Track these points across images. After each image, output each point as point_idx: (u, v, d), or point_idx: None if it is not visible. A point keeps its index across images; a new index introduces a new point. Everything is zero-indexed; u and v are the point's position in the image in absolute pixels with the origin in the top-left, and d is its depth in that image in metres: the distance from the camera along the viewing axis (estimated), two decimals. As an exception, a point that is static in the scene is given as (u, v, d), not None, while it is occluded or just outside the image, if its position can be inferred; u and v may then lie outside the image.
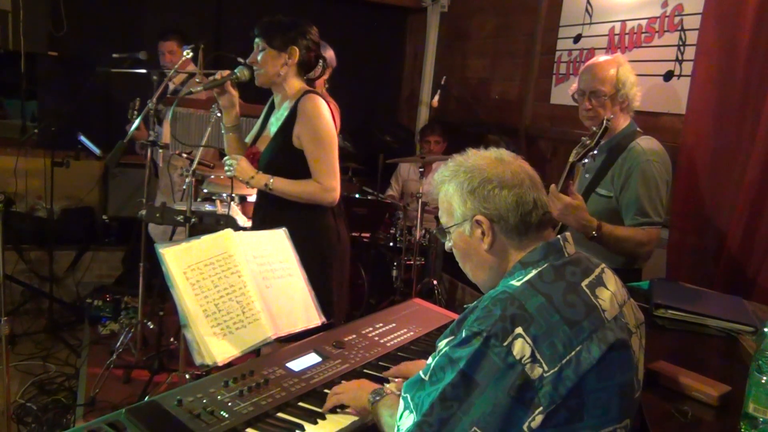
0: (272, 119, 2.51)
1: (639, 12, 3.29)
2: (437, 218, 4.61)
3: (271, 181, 2.33)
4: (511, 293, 1.16)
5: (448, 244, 1.38)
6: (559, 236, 1.28)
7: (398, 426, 1.23)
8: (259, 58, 2.36)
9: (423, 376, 1.21)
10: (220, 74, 2.39)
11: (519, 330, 1.11)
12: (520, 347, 1.10)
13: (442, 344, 1.20)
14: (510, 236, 1.27)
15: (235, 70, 2.37)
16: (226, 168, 2.38)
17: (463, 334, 1.15)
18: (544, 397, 1.09)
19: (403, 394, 1.24)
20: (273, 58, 2.35)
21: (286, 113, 2.40)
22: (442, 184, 1.34)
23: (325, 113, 2.34)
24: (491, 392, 1.10)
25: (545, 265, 1.23)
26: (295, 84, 2.42)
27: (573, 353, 1.12)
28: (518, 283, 1.20)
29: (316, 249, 2.30)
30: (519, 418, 1.10)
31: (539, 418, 1.10)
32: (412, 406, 1.19)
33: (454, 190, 1.31)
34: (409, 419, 1.19)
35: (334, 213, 2.46)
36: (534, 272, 1.21)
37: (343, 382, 1.57)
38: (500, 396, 1.09)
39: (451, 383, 1.13)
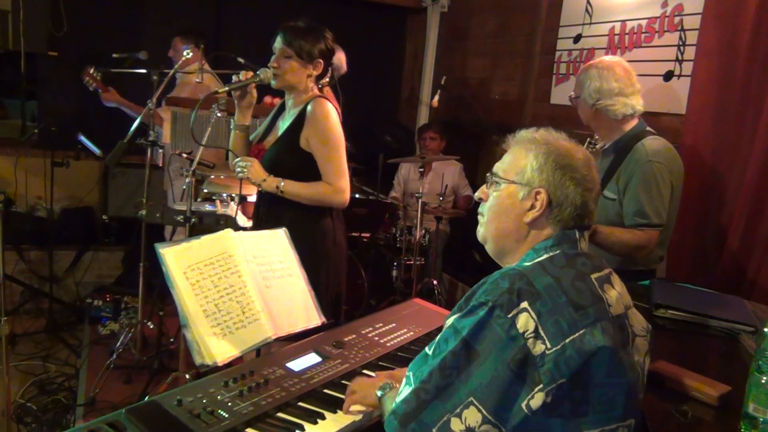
0: (280, 122, 2.53)
1: (639, 12, 3.29)
2: (437, 218, 4.57)
3: (282, 184, 2.35)
4: (520, 270, 1.17)
5: (482, 194, 1.35)
6: (576, 229, 1.27)
7: (396, 401, 1.22)
8: (284, 64, 2.36)
9: (428, 351, 1.22)
10: (244, 75, 2.40)
11: (525, 304, 1.11)
12: (524, 321, 1.10)
13: (451, 320, 1.20)
14: (553, 224, 1.26)
15: (259, 72, 2.37)
16: (238, 169, 2.39)
17: (470, 305, 1.16)
18: (544, 375, 1.09)
19: (407, 373, 1.24)
20: (300, 67, 2.37)
21: (294, 116, 2.43)
22: (530, 143, 1.30)
23: (333, 116, 2.38)
24: (491, 363, 1.10)
25: (557, 251, 1.23)
26: (310, 89, 2.44)
27: (577, 334, 1.11)
28: (529, 263, 1.21)
29: (311, 250, 2.31)
30: (517, 394, 1.09)
31: (539, 397, 1.09)
32: (412, 381, 1.19)
33: (538, 155, 1.27)
34: (407, 390, 1.19)
35: (333, 215, 2.46)
36: (545, 256, 1.23)
37: (357, 379, 1.56)
38: (500, 368, 1.09)
39: (453, 351, 1.13)
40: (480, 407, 1.10)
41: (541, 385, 1.09)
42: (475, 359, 1.11)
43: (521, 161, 1.29)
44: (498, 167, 1.34)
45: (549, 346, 1.09)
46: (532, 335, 1.10)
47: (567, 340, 1.10)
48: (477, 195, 1.38)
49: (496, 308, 1.12)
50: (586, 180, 1.26)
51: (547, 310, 1.11)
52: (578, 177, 1.25)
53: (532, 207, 1.26)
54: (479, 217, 1.37)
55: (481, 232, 1.36)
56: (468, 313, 1.16)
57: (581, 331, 1.12)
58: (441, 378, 1.13)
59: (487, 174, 1.36)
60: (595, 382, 1.13)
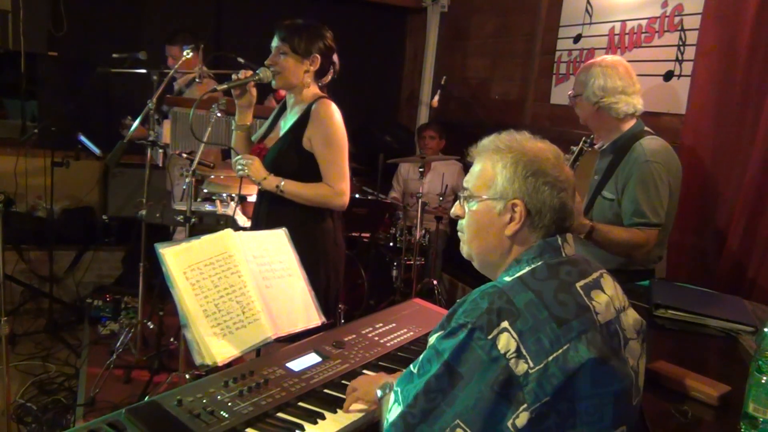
0: (282, 122, 2.53)
1: (639, 12, 3.29)
2: (437, 218, 4.58)
3: (282, 183, 2.34)
4: (500, 287, 1.15)
5: (459, 211, 1.32)
6: (558, 236, 1.25)
7: (386, 418, 1.22)
8: (281, 61, 2.36)
9: (413, 369, 1.21)
10: (243, 73, 2.40)
11: (505, 324, 1.10)
12: (505, 341, 1.09)
13: (432, 339, 1.20)
14: (535, 232, 1.24)
15: (258, 71, 2.37)
16: (239, 167, 2.38)
17: (450, 327, 1.15)
18: (528, 394, 1.08)
19: (394, 387, 1.25)
20: (296, 63, 2.36)
21: (297, 116, 2.42)
22: (494, 152, 1.27)
23: (337, 118, 2.37)
24: (475, 385, 1.09)
25: (540, 263, 1.21)
26: (311, 89, 2.43)
27: (560, 351, 1.10)
28: (509, 279, 1.19)
29: (312, 250, 2.31)
30: (503, 414, 1.08)
31: (524, 416, 1.08)
32: (400, 399, 1.19)
33: (506, 165, 1.24)
34: (396, 411, 1.19)
35: (333, 216, 2.46)
36: (527, 269, 1.21)
37: (358, 377, 1.56)
38: (484, 390, 1.08)
39: (436, 374, 1.12)
40: (467, 430, 1.09)
41: (525, 405, 1.08)
42: (458, 382, 1.10)
43: (490, 173, 1.26)
44: (468, 182, 1.31)
45: (532, 365, 1.08)
46: (513, 355, 1.08)
47: (550, 358, 1.09)
48: (453, 212, 1.35)
49: (476, 330, 1.10)
50: (560, 181, 1.23)
51: (528, 328, 1.09)
52: (551, 180, 1.22)
53: (511, 219, 1.24)
54: (459, 234, 1.35)
55: (465, 250, 1.34)
56: (449, 334, 1.14)
57: (564, 347, 1.10)
58: (426, 402, 1.12)
59: (460, 191, 1.33)
60: (581, 395, 1.11)
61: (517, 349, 1.08)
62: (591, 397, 1.12)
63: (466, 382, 1.10)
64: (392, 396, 1.24)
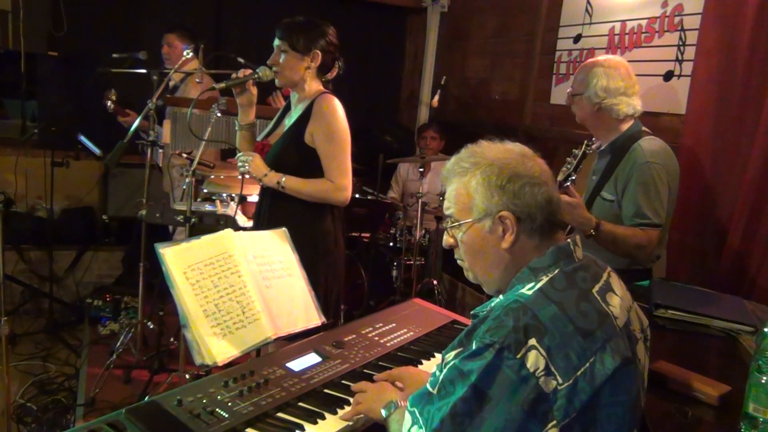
0: (286, 120, 2.54)
1: (639, 12, 3.29)
2: (437, 218, 4.57)
3: (283, 179, 2.34)
4: (523, 302, 1.13)
5: (450, 240, 1.30)
6: (569, 240, 1.23)
7: None
8: (281, 59, 2.36)
9: (430, 389, 1.17)
10: (242, 72, 2.40)
11: (533, 341, 1.07)
12: (534, 359, 1.06)
13: (450, 356, 1.16)
14: (532, 236, 1.22)
15: (257, 70, 2.37)
16: (240, 163, 2.39)
17: (474, 346, 1.11)
18: (558, 411, 1.06)
19: (409, 408, 1.21)
20: (296, 61, 2.36)
21: (300, 112, 2.42)
22: (461, 175, 1.25)
23: (340, 113, 2.37)
24: (504, 407, 1.06)
25: (556, 272, 1.19)
26: (314, 85, 2.44)
27: (587, 364, 1.09)
28: (530, 292, 1.16)
29: (312, 249, 2.31)
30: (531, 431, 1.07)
31: None
32: (421, 422, 1.16)
33: (478, 183, 1.22)
34: None
35: (334, 217, 2.46)
36: (545, 279, 1.18)
37: (363, 387, 1.52)
38: (513, 410, 1.06)
39: (462, 397, 1.09)
40: None
41: (554, 422, 1.06)
42: (486, 404, 1.07)
43: (466, 196, 1.24)
44: (449, 209, 1.29)
45: (561, 381, 1.07)
46: (543, 373, 1.06)
47: (578, 373, 1.08)
48: (445, 244, 1.33)
49: (504, 350, 1.07)
50: (536, 177, 1.21)
51: (556, 344, 1.08)
52: (527, 180, 1.20)
53: (504, 231, 1.21)
54: (460, 262, 1.33)
55: (471, 276, 1.32)
56: (473, 354, 1.10)
57: (591, 360, 1.09)
58: (453, 426, 1.09)
59: (444, 220, 1.31)
60: (602, 403, 1.11)
61: (546, 367, 1.06)
62: (611, 404, 1.12)
63: (495, 404, 1.07)
64: (408, 416, 1.20)
